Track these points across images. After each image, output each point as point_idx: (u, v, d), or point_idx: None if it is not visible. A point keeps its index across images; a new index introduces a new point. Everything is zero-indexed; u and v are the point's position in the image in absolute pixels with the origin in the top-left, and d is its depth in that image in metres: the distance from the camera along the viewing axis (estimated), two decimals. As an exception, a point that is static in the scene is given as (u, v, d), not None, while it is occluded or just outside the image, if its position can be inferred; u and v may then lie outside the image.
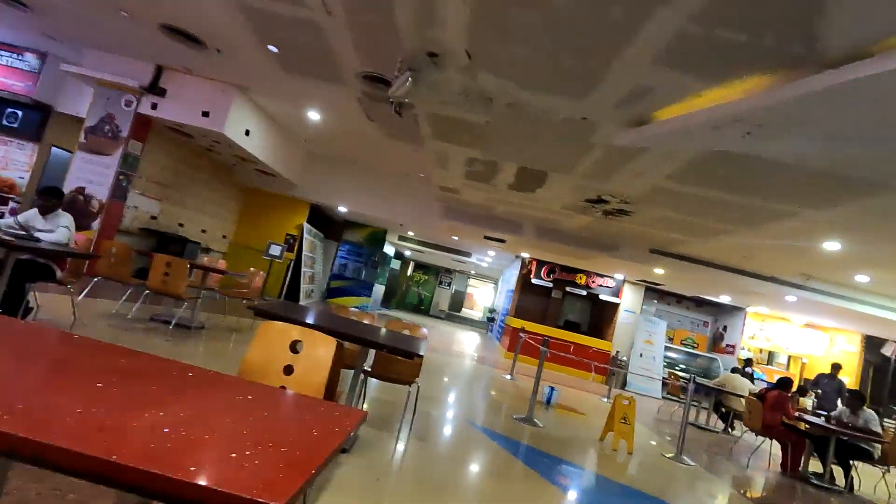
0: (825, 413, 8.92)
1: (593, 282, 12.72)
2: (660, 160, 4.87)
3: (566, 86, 3.75)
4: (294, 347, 2.23)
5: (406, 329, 4.19)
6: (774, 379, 12.88)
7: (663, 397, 11.65)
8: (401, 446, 3.62)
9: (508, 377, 8.82)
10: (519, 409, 6.08)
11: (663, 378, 11.83)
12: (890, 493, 6.34)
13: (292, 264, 12.44)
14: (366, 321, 4.24)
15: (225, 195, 11.54)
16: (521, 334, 8.61)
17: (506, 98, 4.17)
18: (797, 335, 13.43)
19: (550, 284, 12.88)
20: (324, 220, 15.01)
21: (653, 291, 13.41)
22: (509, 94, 4.07)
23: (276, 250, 10.73)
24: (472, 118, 4.82)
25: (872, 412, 6.29)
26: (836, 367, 10.06)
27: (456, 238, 12.85)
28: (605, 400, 8.92)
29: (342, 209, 12.62)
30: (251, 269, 6.90)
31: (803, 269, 8.44)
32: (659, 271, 10.03)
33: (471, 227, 9.92)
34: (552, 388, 7.11)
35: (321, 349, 2.24)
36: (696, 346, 13.69)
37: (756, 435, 6.66)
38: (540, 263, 12.82)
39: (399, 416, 4.34)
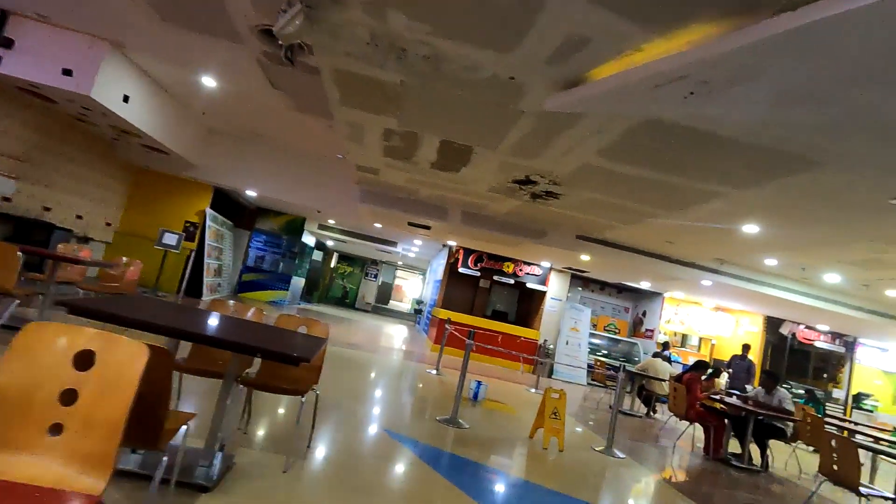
0: (736, 392, 9.28)
1: (521, 270, 12.53)
2: (591, 134, 4.49)
3: (492, 32, 3.18)
4: (83, 361, 1.45)
5: (303, 325, 3.45)
6: (689, 360, 13.50)
7: (588, 384, 11.73)
8: (289, 474, 2.90)
9: (434, 372, 8.28)
10: (444, 409, 5.54)
11: (589, 364, 11.91)
12: (800, 467, 6.57)
13: (193, 255, 11.05)
14: (251, 315, 3.45)
15: (108, 175, 9.93)
16: (447, 326, 8.09)
17: (421, 48, 3.53)
18: (707, 318, 14.14)
19: (478, 273, 12.51)
20: (232, 207, 13.58)
21: (578, 279, 13.49)
22: (425, 42, 3.43)
23: (171, 239, 9.37)
24: (385, 76, 4.14)
25: (786, 391, 6.45)
26: (746, 348, 10.57)
27: (379, 226, 12.08)
28: (533, 391, 8.66)
29: (251, 194, 11.39)
30: (124, 258, 5.75)
31: (720, 253, 8.65)
32: (585, 258, 9.94)
33: (393, 213, 9.22)
34: (479, 383, 6.65)
35: (126, 360, 1.48)
36: (617, 331, 14.00)
37: (680, 420, 6.63)
38: (467, 252, 12.41)
39: (302, 432, 3.61)
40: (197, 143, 9.62)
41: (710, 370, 7.75)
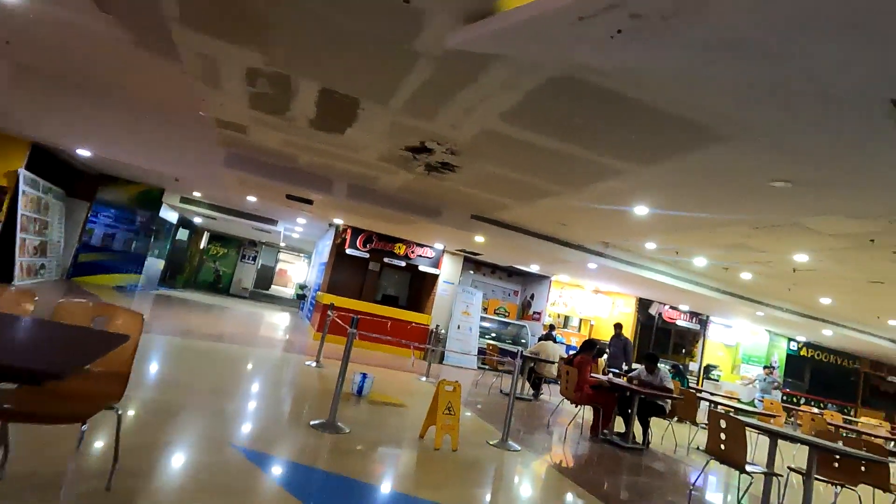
0: (616, 371, 9.66)
1: (413, 252, 11.90)
2: (495, 91, 3.91)
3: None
4: None
5: (102, 316, 2.38)
6: (571, 341, 14.06)
7: (479, 367, 11.57)
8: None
9: (314, 365, 7.33)
10: (321, 410, 4.69)
11: (480, 349, 11.74)
12: (676, 442, 6.86)
13: (0, 228, 8.68)
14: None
15: None
16: (330, 312, 7.17)
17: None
18: (588, 300, 14.86)
19: (367, 255, 11.63)
20: (62, 171, 11.03)
21: (471, 262, 13.27)
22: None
23: (-43, 205, 7.13)
24: (242, -12, 3.12)
25: (666, 370, 6.64)
26: (619, 327, 11.08)
27: (253, 199, 10.60)
28: (424, 379, 8.13)
29: (84, 154, 9.21)
30: None
31: (607, 236, 8.82)
32: (479, 239, 9.60)
33: (268, 183, 7.97)
34: (365, 376, 5.89)
35: None
36: (507, 314, 14.11)
37: (571, 403, 6.52)
38: (356, 232, 11.45)
39: (103, 466, 2.55)
40: (1, 82, 7.38)
41: (597, 350, 7.83)
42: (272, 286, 24.56)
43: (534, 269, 12.99)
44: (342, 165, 7.12)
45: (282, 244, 21.37)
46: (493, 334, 12.80)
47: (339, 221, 11.26)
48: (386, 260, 11.87)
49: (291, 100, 4.93)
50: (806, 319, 12.43)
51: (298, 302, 20.89)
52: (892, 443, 9.11)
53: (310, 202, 8.88)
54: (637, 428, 6.32)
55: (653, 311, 14.49)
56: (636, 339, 14.50)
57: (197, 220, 16.76)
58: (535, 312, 13.88)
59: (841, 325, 12.85)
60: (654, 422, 6.74)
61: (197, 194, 12.52)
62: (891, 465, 4.48)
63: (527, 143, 4.85)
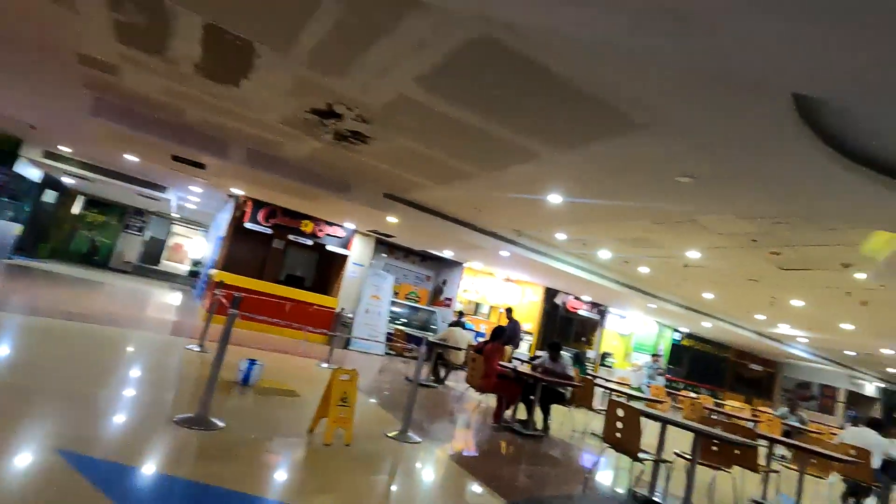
0: (522, 359, 9.79)
1: (321, 230, 11.17)
2: (411, 49, 3.51)
3: None
4: None
5: None
6: (481, 328, 14.18)
7: (386, 353, 11.21)
8: None
9: (197, 349, 6.51)
10: (193, 402, 4.05)
11: (388, 334, 11.38)
12: (574, 427, 7.02)
13: None
14: None
15: None
16: (217, 291, 6.39)
17: None
18: (499, 288, 15.06)
19: (270, 231, 10.71)
20: None
21: (383, 244, 12.79)
22: None
23: None
24: None
25: (568, 358, 6.73)
26: (510, 311, 11.24)
27: (133, 159, 9.24)
28: (325, 366, 7.60)
29: None
30: None
31: (521, 224, 8.81)
32: (392, 220, 9.17)
33: (147, 139, 6.88)
34: (252, 362, 5.27)
35: None
36: (418, 299, 13.86)
37: (476, 391, 6.39)
38: (258, 205, 10.47)
39: None
40: None
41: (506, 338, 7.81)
42: (163, 261, 22.20)
43: (447, 254, 12.83)
44: (240, 126, 6.31)
45: (175, 215, 19.30)
46: (404, 320, 12.49)
47: (238, 192, 10.21)
48: (291, 237, 11.03)
49: (170, 35, 4.14)
50: (690, 312, 13.58)
51: (193, 280, 19.07)
52: (752, 423, 10.20)
53: (202, 166, 7.87)
54: (538, 414, 6.35)
55: (558, 300, 15.04)
56: (542, 327, 14.98)
57: (67, 180, 14.49)
58: (446, 299, 13.78)
59: (718, 318, 14.22)
60: (554, 408, 6.85)
61: (65, 149, 10.71)
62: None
63: (443, 115, 4.51)
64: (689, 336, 19.18)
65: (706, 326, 15.70)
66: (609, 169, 5.03)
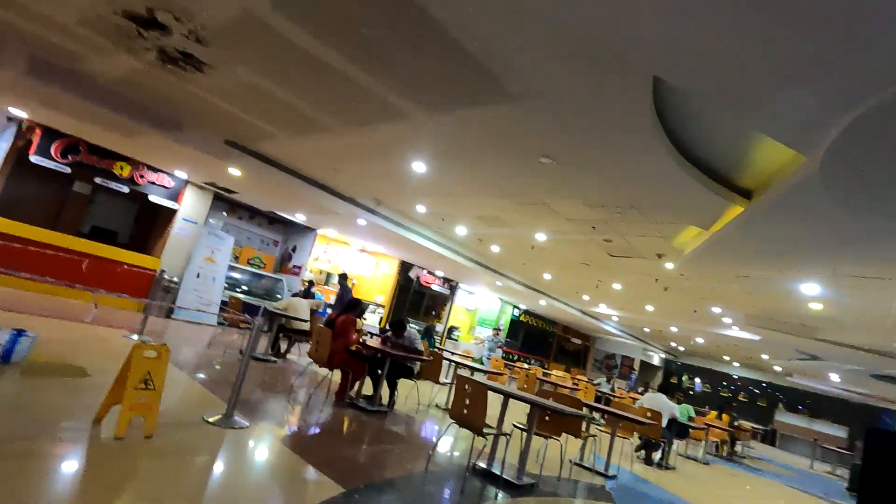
0: (377, 333, 9.50)
1: (142, 177, 9.32)
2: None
3: None
4: None
5: None
6: (331, 299, 13.51)
7: (219, 324, 9.96)
8: None
9: (-66, 314, 4.84)
10: None
11: (223, 301, 10.10)
12: (419, 401, 6.97)
13: None
14: None
15: None
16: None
17: None
18: (352, 258, 14.50)
19: (68, 170, 8.58)
20: None
21: (223, 201, 11.25)
22: None
23: None
24: None
25: (415, 332, 6.59)
26: (343, 277, 10.99)
27: None
28: (137, 338, 6.34)
29: None
30: None
31: (381, 192, 8.38)
32: (235, 172, 8.00)
33: None
34: (20, 332, 4.03)
35: None
36: (263, 265, 12.62)
37: (321, 367, 5.90)
38: (51, 135, 8.27)
39: None
40: None
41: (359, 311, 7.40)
42: None
43: (300, 218, 11.84)
44: (19, 21, 4.70)
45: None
46: (245, 287, 11.23)
47: (19, 113, 7.90)
48: (100, 181, 8.99)
49: None
50: (530, 291, 14.72)
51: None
52: (571, 391, 11.45)
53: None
54: (385, 389, 6.14)
55: (412, 274, 15.07)
56: (395, 300, 14.89)
57: None
58: (294, 266, 12.78)
59: (553, 296, 15.70)
60: (400, 382, 6.71)
61: None
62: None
63: (301, 50, 3.84)
64: (526, 312, 21.00)
65: (542, 304, 17.26)
66: (477, 140, 4.89)
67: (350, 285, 10.51)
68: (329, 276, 14.57)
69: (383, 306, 14.47)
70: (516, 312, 20.46)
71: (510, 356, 19.71)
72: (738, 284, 7.92)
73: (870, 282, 5.94)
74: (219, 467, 3.12)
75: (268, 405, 4.91)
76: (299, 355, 8.60)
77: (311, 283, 12.41)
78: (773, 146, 3.72)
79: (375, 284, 14.88)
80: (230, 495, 2.79)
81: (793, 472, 12.09)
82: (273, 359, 7.52)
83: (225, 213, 11.81)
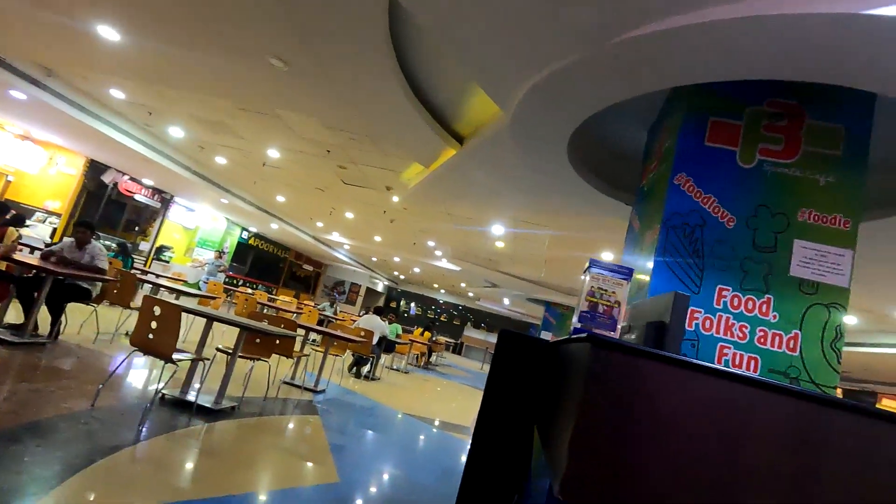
0: (40, 248, 7.32)
1: None
2: None
3: None
4: None
5: None
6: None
7: None
8: None
9: None
10: None
11: None
12: (98, 328, 5.74)
13: None
14: None
15: None
16: None
17: None
18: (9, 146, 10.62)
19: None
20: None
21: None
22: None
23: None
24: None
25: (101, 246, 5.34)
26: None
27: None
28: None
29: None
30: None
31: (53, 60, 6.19)
32: None
33: None
34: None
35: None
36: None
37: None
38: None
39: None
40: None
41: (9, 216, 5.47)
42: None
43: None
44: None
45: None
46: None
47: None
48: None
49: None
50: (262, 213, 13.78)
51: None
52: (296, 315, 11.52)
53: None
54: (44, 317, 4.81)
55: (107, 178, 12.09)
56: (79, 209, 11.73)
57: None
58: None
59: (286, 221, 15.11)
60: (74, 307, 5.39)
61: None
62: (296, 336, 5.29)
63: None
64: (256, 236, 19.77)
65: (274, 228, 16.47)
66: (186, 12, 3.98)
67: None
68: (-36, 166, 10.35)
69: (58, 214, 11.26)
70: (245, 235, 19.03)
71: (234, 281, 18.41)
72: (447, 222, 9.13)
73: (533, 226, 7.65)
74: None
75: None
76: None
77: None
78: (486, 98, 4.20)
79: (47, 186, 11.38)
80: None
81: (471, 375, 15.31)
82: None
83: None
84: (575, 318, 1.25)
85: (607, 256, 8.37)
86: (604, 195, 4.66)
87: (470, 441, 1.70)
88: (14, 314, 5.16)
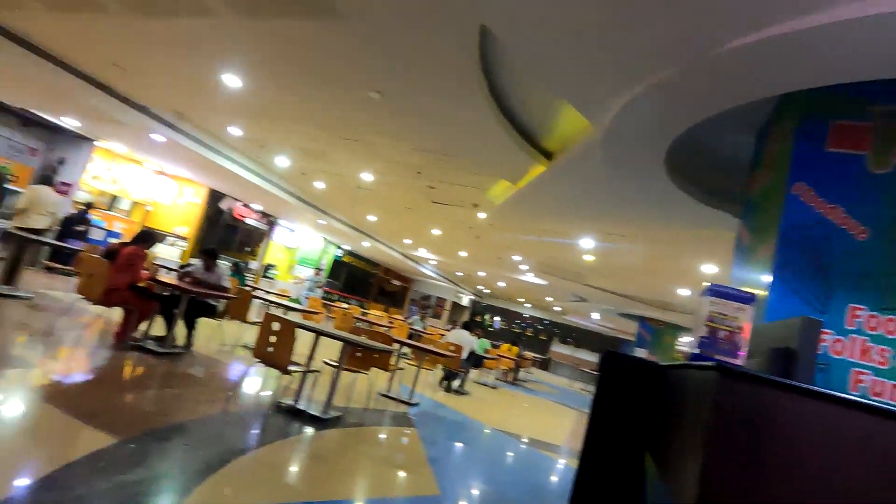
0: (175, 269, 8.36)
1: None
2: None
3: None
4: None
5: None
6: (114, 226, 11.39)
7: (-60, 249, 7.55)
8: None
9: None
10: None
11: (-56, 221, 7.64)
12: (224, 341, 6.44)
13: None
14: None
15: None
16: None
17: None
18: (147, 181, 12.34)
19: None
20: None
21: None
22: None
23: None
24: None
25: (225, 267, 6.02)
26: (89, 206, 10.03)
27: None
28: None
29: None
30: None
31: (184, 105, 7.15)
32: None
33: None
34: None
35: None
36: (13, 178, 9.86)
37: (95, 304, 4.96)
38: None
39: None
40: None
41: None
42: None
43: (70, 123, 9.47)
44: None
45: None
46: (-18, 204, 8.65)
47: None
48: None
49: None
50: (355, 232, 14.62)
51: None
52: (387, 329, 11.99)
53: None
54: (180, 329, 5.50)
55: (224, 205, 13.56)
56: (202, 233, 13.27)
57: None
58: (63, 183, 10.31)
59: (377, 239, 15.88)
60: (202, 321, 6.11)
61: None
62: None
63: None
64: (349, 253, 20.94)
65: (365, 246, 17.37)
66: (299, 59, 4.43)
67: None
68: (115, 199, 12.18)
69: (186, 239, 12.80)
70: (339, 253, 20.24)
71: (331, 297, 19.60)
72: (534, 236, 9.07)
73: (624, 239, 7.37)
74: (-77, 429, 2.41)
75: (16, 351, 3.96)
76: (67, 292, 7.11)
77: (88, 205, 10.28)
78: (574, 114, 4.19)
79: (177, 214, 13.01)
80: (-60, 461, 2.19)
81: (558, 391, 14.91)
82: (23, 294, 6.06)
83: (-53, 103, 8.76)
84: (692, 342, 1.23)
85: (709, 269, 7.81)
86: (703, 205, 4.41)
87: (577, 464, 1.70)
88: (157, 328, 5.95)
